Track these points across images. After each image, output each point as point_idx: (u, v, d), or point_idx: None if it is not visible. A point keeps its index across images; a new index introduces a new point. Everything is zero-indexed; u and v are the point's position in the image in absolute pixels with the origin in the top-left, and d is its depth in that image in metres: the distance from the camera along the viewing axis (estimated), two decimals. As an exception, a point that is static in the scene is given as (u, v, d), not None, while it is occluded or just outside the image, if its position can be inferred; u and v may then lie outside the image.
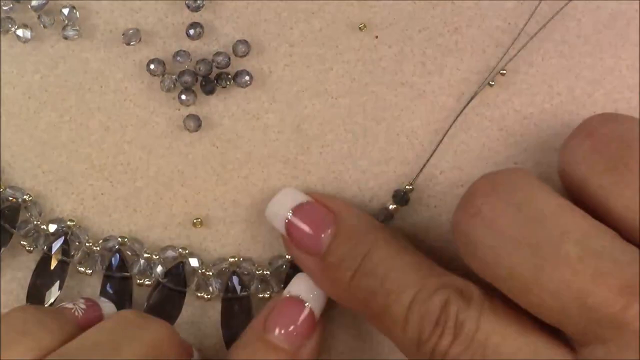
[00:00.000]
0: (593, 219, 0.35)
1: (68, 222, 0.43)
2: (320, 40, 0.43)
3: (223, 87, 0.43)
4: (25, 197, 0.43)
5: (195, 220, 0.44)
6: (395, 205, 0.44)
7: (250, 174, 0.44)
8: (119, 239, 0.43)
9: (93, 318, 0.41)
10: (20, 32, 0.43)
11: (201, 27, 0.43)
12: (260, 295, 0.44)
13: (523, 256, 0.35)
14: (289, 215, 0.41)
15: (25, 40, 0.43)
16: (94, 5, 0.43)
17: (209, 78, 0.43)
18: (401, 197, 0.44)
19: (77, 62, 0.43)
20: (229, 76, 0.43)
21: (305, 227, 0.41)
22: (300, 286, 0.42)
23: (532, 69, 0.43)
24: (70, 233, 0.43)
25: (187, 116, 0.43)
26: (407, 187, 0.44)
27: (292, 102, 0.43)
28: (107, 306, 0.42)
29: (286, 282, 0.43)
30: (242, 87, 0.43)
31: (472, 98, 0.43)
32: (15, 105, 0.43)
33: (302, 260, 0.42)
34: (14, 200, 0.43)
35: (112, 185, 0.44)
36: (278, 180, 0.44)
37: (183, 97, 0.43)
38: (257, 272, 0.44)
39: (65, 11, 0.43)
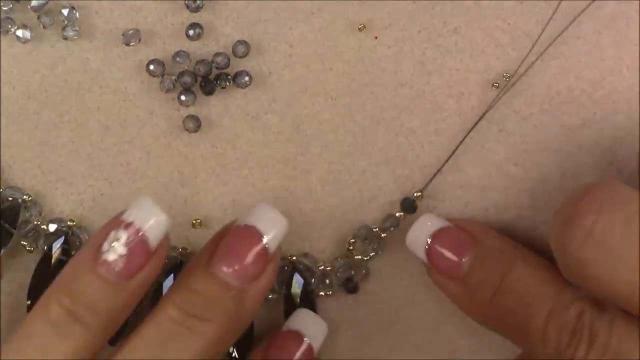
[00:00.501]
0: None
1: (68, 222, 0.43)
2: (320, 40, 0.43)
3: (223, 88, 0.43)
4: (25, 197, 0.43)
5: (194, 221, 0.44)
6: (402, 213, 0.44)
7: (249, 174, 0.44)
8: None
9: (138, 263, 0.38)
10: (20, 32, 0.43)
11: (201, 27, 0.43)
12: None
13: None
14: (429, 241, 0.41)
15: (25, 41, 0.43)
16: (94, 6, 0.43)
17: (209, 79, 0.43)
18: (410, 205, 0.44)
19: (77, 63, 0.43)
20: (229, 77, 0.43)
21: (446, 252, 0.41)
22: (301, 321, 0.42)
23: (531, 70, 0.43)
24: (70, 233, 0.43)
25: (187, 117, 0.43)
26: (415, 194, 0.44)
27: (292, 103, 0.43)
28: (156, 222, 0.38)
29: (288, 282, 0.44)
30: (241, 87, 0.43)
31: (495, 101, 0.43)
32: (15, 105, 0.43)
33: (444, 284, 0.42)
34: (14, 200, 0.43)
35: (112, 185, 0.44)
36: (277, 181, 0.44)
37: (182, 97, 0.43)
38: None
39: (65, 11, 0.42)
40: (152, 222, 0.37)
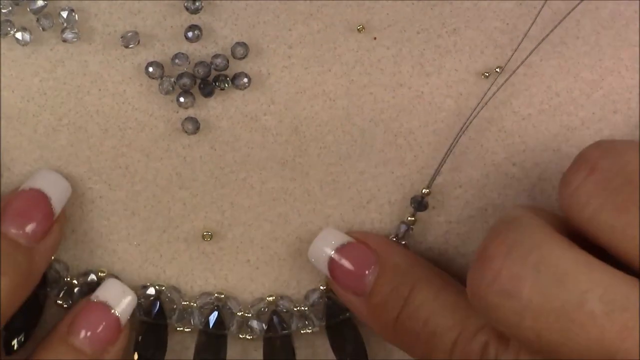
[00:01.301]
0: (611, 268, 0.34)
1: (99, 273, 0.44)
2: (319, 41, 0.43)
3: (221, 89, 0.43)
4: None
5: (205, 234, 0.44)
6: (415, 212, 0.44)
7: (248, 176, 0.44)
8: (157, 287, 0.44)
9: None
10: (19, 35, 0.42)
11: (199, 29, 0.43)
12: (302, 332, 0.44)
13: (548, 321, 0.34)
14: (332, 254, 0.42)
15: (24, 43, 0.43)
16: (93, 8, 0.43)
17: (208, 80, 0.43)
18: (420, 203, 0.43)
19: (76, 65, 0.43)
20: (227, 78, 0.43)
21: (349, 266, 0.41)
22: (109, 291, 0.43)
23: (530, 70, 0.43)
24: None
25: (186, 119, 0.43)
26: (424, 191, 0.43)
27: (291, 104, 0.43)
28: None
29: (326, 314, 0.44)
30: (240, 89, 0.43)
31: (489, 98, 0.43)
32: (14, 108, 0.43)
33: (349, 300, 0.42)
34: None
35: (111, 188, 0.44)
36: (276, 183, 0.43)
37: (181, 99, 0.43)
38: (296, 309, 0.44)
39: (64, 14, 0.42)
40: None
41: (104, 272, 0.44)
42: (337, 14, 0.43)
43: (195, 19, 0.43)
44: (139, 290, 0.44)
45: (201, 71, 0.43)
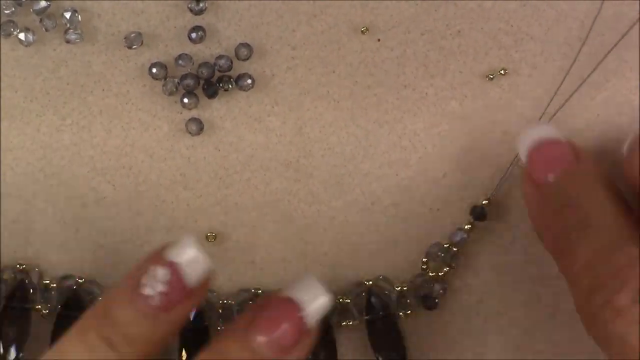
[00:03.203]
0: None
1: (77, 279, 0.44)
2: (323, 43, 0.43)
3: (225, 90, 0.43)
4: (18, 266, 0.44)
5: (208, 234, 0.44)
6: (470, 225, 0.44)
7: (252, 177, 0.43)
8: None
9: (176, 300, 0.38)
10: (22, 35, 0.42)
11: (203, 30, 0.42)
12: (342, 324, 0.44)
13: None
14: (534, 143, 0.41)
15: (28, 44, 0.42)
16: (96, 9, 0.43)
17: (211, 81, 0.43)
18: (479, 213, 0.44)
19: (79, 66, 0.43)
20: (231, 79, 0.43)
21: (541, 160, 0.41)
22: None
23: (535, 71, 0.43)
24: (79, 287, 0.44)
25: (190, 119, 0.43)
26: (484, 202, 0.44)
27: (294, 105, 0.43)
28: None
29: (367, 309, 0.44)
30: (244, 90, 0.43)
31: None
32: (17, 108, 0.43)
33: (526, 185, 0.41)
34: (14, 277, 0.44)
35: (115, 188, 0.43)
36: (280, 184, 0.43)
37: (185, 100, 0.43)
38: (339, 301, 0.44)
39: (67, 14, 0.42)
40: (193, 263, 0.38)
41: (81, 279, 0.44)
42: (341, 15, 0.43)
43: (198, 20, 0.43)
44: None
45: (205, 72, 0.43)
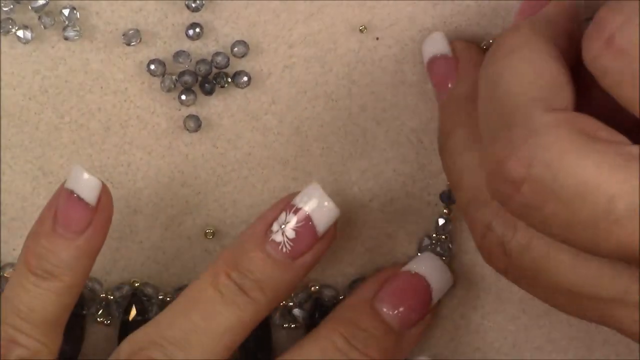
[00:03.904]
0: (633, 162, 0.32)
1: (134, 283, 0.44)
2: (320, 41, 0.43)
3: (221, 87, 0.43)
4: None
5: (207, 231, 0.44)
6: (446, 209, 0.44)
7: (250, 174, 0.43)
8: None
9: (305, 246, 0.39)
10: (20, 33, 0.42)
11: (201, 27, 0.42)
12: (284, 326, 0.44)
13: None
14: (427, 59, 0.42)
15: (26, 41, 0.42)
16: (94, 6, 0.42)
17: (209, 78, 0.43)
18: (447, 196, 0.44)
19: (78, 63, 0.43)
20: (227, 77, 0.43)
21: (435, 75, 0.41)
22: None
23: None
24: (138, 292, 0.44)
25: (187, 116, 0.43)
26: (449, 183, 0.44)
27: (292, 104, 0.43)
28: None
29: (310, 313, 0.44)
30: (240, 87, 0.43)
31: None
32: (16, 106, 0.43)
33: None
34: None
35: (113, 186, 0.43)
36: (277, 182, 0.43)
37: (183, 97, 0.43)
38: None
39: (66, 12, 0.42)
40: (321, 210, 0.39)
41: (137, 282, 0.44)
42: (339, 14, 0.43)
43: (196, 17, 0.43)
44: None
45: (203, 69, 0.42)
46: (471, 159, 0.38)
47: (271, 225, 0.39)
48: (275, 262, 0.38)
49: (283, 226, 0.39)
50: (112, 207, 0.39)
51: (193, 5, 0.42)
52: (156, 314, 0.41)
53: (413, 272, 0.41)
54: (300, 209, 0.39)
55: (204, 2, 0.42)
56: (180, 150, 0.43)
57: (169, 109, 0.43)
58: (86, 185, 0.38)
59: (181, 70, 0.43)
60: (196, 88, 0.43)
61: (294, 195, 0.39)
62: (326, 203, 0.39)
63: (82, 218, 0.38)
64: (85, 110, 0.43)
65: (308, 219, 0.39)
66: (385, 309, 0.40)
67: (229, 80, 0.43)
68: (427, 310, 0.41)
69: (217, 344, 0.38)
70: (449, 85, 0.41)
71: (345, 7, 0.42)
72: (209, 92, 0.43)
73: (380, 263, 0.44)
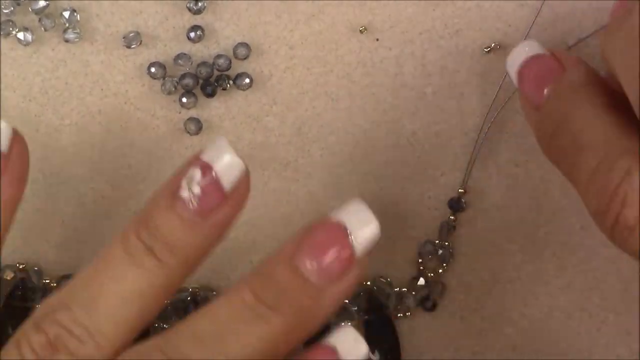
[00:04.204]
0: None
1: (18, 266, 0.44)
2: (321, 42, 0.43)
3: (223, 89, 0.43)
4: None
5: None
6: (453, 216, 0.44)
7: (250, 176, 0.43)
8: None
9: (212, 203, 0.37)
10: (21, 35, 0.42)
11: (202, 29, 0.42)
12: (342, 324, 0.44)
13: None
14: (520, 65, 0.40)
15: (26, 43, 0.42)
16: (95, 8, 0.43)
17: (210, 81, 0.43)
18: (456, 204, 0.44)
19: (78, 65, 0.43)
20: (229, 79, 0.43)
21: (532, 79, 0.40)
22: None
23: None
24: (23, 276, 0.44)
25: (188, 119, 0.43)
26: (460, 191, 0.43)
27: (293, 105, 0.43)
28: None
29: (366, 309, 0.44)
30: (242, 89, 0.43)
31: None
32: (16, 108, 0.43)
33: (527, 111, 0.40)
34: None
35: (113, 188, 0.43)
36: (278, 183, 0.43)
37: (184, 99, 0.43)
38: None
39: (66, 14, 0.42)
40: (226, 164, 0.37)
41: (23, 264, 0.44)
42: (340, 15, 0.43)
43: (197, 20, 0.43)
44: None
45: (204, 72, 0.43)
46: (604, 115, 0.37)
47: (179, 182, 0.37)
48: (183, 222, 0.36)
49: (189, 182, 0.36)
50: (27, 155, 0.37)
51: (194, 7, 0.42)
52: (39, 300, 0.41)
53: (333, 222, 0.37)
54: (205, 163, 0.36)
55: (205, 4, 0.42)
56: (181, 153, 0.43)
57: (170, 112, 0.43)
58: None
59: (182, 72, 0.43)
60: (197, 90, 0.43)
61: (202, 150, 0.37)
62: (230, 157, 0.36)
63: None
64: (86, 113, 0.43)
65: (211, 173, 0.36)
66: (302, 261, 0.36)
67: (231, 82, 0.43)
68: (350, 262, 0.36)
69: (126, 307, 0.36)
70: (545, 91, 0.39)
71: (345, 8, 0.43)
72: (211, 95, 0.43)
73: (380, 267, 0.44)
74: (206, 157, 0.36)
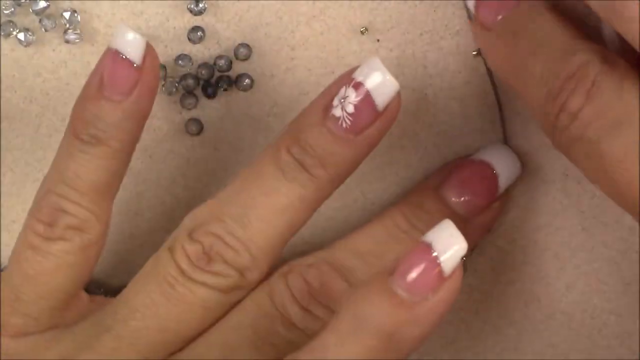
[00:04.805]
0: None
1: None
2: (322, 43, 0.43)
3: (224, 90, 0.43)
4: None
5: None
6: None
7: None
8: None
9: (365, 121, 0.38)
10: (21, 35, 0.42)
11: (203, 30, 0.42)
12: None
13: None
14: None
15: (27, 44, 0.42)
16: (95, 9, 0.42)
17: (211, 82, 0.43)
18: None
19: (79, 66, 0.43)
20: (230, 80, 0.43)
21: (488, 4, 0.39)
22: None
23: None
24: None
25: (189, 120, 0.43)
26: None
27: (294, 106, 0.43)
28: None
29: None
30: (243, 90, 0.43)
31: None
32: (17, 109, 0.43)
33: (477, 32, 0.40)
34: None
35: (114, 189, 0.43)
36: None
37: (185, 100, 0.43)
38: None
39: (67, 15, 0.42)
40: (380, 83, 0.37)
41: None
42: (340, 16, 0.43)
43: (198, 21, 0.43)
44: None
45: (204, 72, 0.42)
46: (555, 29, 0.37)
47: (332, 99, 0.38)
48: (335, 138, 0.37)
49: (342, 100, 0.37)
50: (158, 68, 0.39)
51: (195, 8, 0.42)
52: None
53: (478, 160, 0.40)
54: (359, 82, 0.37)
55: (205, 5, 0.42)
56: (182, 154, 0.43)
57: (171, 112, 0.43)
58: (131, 44, 0.38)
59: (183, 73, 0.43)
60: (197, 91, 0.43)
61: (355, 69, 0.38)
62: (386, 77, 0.37)
63: (128, 78, 0.38)
64: (87, 113, 0.43)
65: (366, 92, 0.37)
66: (450, 195, 0.40)
67: (232, 83, 0.42)
68: (493, 197, 0.40)
69: (277, 220, 0.38)
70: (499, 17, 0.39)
71: (346, 9, 0.42)
72: (211, 96, 0.43)
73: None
74: (360, 76, 0.37)
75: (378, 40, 0.43)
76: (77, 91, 0.42)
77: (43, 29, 0.42)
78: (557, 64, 0.35)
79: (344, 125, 0.37)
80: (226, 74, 0.43)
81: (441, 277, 0.34)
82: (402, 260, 0.34)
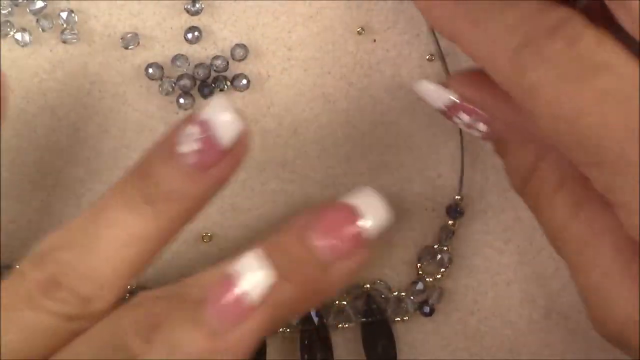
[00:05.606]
0: None
1: None
2: (318, 44, 0.43)
3: (221, 91, 0.43)
4: None
5: (204, 235, 0.43)
6: (452, 221, 0.44)
7: (248, 177, 0.43)
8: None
9: (211, 158, 0.37)
10: (18, 35, 0.42)
11: (199, 31, 0.42)
12: (339, 326, 0.44)
13: None
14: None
15: (24, 44, 0.42)
16: (93, 9, 0.42)
17: (207, 82, 0.43)
18: (455, 210, 0.43)
19: (76, 66, 0.43)
20: (227, 80, 0.43)
21: None
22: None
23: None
24: None
25: (186, 120, 0.43)
26: (457, 197, 0.43)
27: (290, 106, 0.43)
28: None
29: (364, 312, 0.44)
30: (239, 90, 0.43)
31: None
32: (14, 109, 0.43)
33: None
34: None
35: (111, 189, 0.43)
36: (276, 184, 0.43)
37: (181, 100, 0.43)
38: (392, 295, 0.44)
39: (64, 15, 0.42)
40: (224, 122, 0.37)
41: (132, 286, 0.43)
42: (337, 16, 0.43)
43: (195, 21, 0.43)
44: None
45: (201, 73, 0.42)
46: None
47: (181, 136, 0.37)
48: (182, 174, 0.37)
49: (189, 137, 0.37)
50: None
51: (192, 8, 0.42)
52: None
53: (346, 204, 0.38)
54: (204, 120, 0.37)
55: (202, 5, 0.42)
56: (178, 154, 0.43)
57: (167, 113, 0.43)
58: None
59: (179, 73, 0.43)
60: (194, 91, 0.43)
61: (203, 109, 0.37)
62: (231, 116, 0.37)
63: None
64: (84, 114, 0.43)
65: (209, 130, 0.37)
66: (312, 237, 0.37)
67: (229, 83, 0.42)
68: (358, 243, 0.37)
69: (123, 252, 0.37)
70: None
71: (343, 9, 0.42)
72: (208, 96, 0.43)
73: (378, 269, 0.44)
74: (205, 115, 0.37)
75: (375, 41, 0.43)
76: (74, 92, 0.43)
77: (40, 29, 0.42)
78: (534, 16, 0.34)
79: (190, 161, 0.37)
80: (223, 74, 0.43)
81: (252, 306, 0.35)
82: (210, 291, 0.35)
